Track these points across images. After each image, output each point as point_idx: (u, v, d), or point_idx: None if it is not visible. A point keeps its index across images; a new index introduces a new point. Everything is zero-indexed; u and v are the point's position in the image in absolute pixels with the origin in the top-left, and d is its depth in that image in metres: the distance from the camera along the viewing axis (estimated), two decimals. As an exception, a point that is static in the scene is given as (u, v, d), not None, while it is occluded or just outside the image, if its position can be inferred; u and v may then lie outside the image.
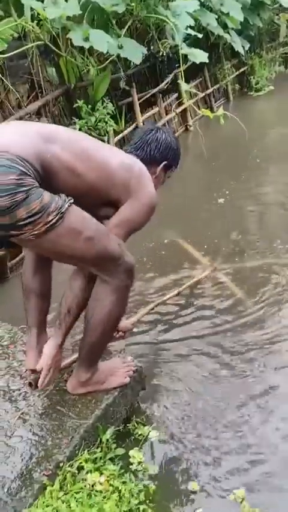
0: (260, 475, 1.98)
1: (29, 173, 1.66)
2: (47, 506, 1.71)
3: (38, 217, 1.67)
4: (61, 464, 1.82)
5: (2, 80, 4.80)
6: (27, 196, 1.63)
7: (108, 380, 2.11)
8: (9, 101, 5.07)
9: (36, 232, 1.70)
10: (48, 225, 1.70)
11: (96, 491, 1.82)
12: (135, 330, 2.72)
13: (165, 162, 2.16)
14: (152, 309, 2.83)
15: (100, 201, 1.93)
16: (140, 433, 2.16)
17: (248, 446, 2.11)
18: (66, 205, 1.73)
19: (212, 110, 6.07)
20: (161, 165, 2.15)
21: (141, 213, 1.97)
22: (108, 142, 4.64)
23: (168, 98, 6.24)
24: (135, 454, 2.05)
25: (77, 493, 1.78)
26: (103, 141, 4.39)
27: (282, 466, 2.01)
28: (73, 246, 1.79)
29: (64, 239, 1.76)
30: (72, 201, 1.76)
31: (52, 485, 1.76)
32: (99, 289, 1.92)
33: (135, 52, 4.59)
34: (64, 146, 1.79)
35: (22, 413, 2.03)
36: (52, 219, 1.70)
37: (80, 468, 1.86)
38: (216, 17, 6.29)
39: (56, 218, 1.70)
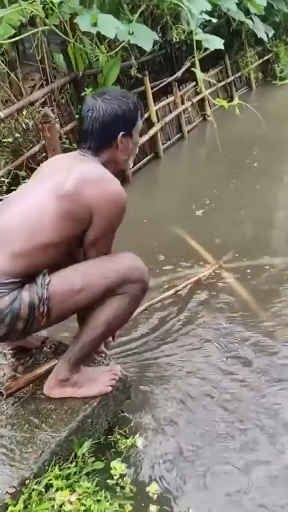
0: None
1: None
2: (7, 528, 1.59)
3: (32, 316, 1.76)
4: (27, 482, 1.70)
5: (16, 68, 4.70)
6: (13, 311, 1.73)
7: (87, 385, 1.96)
8: (21, 90, 4.96)
9: (42, 324, 1.81)
10: (44, 314, 1.78)
11: (65, 511, 1.69)
12: (121, 334, 2.58)
13: (122, 133, 1.89)
14: (145, 309, 2.68)
15: (78, 239, 1.85)
16: (122, 445, 2.03)
17: (241, 459, 1.94)
18: (45, 291, 1.77)
19: (232, 99, 5.83)
20: (119, 137, 1.89)
21: (112, 219, 1.83)
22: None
23: (185, 86, 6.03)
24: (116, 466, 1.92)
25: (42, 513, 1.65)
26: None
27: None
28: (75, 302, 1.82)
29: (64, 305, 1.81)
30: (47, 280, 1.78)
31: (15, 505, 1.64)
32: (111, 296, 1.88)
33: (146, 38, 4.38)
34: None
35: (-7, 423, 1.91)
36: (43, 309, 1.77)
37: (49, 486, 1.73)
38: (237, 2, 6.03)
39: (46, 307, 1.77)
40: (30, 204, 1.81)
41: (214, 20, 4.91)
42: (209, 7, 4.93)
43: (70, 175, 1.79)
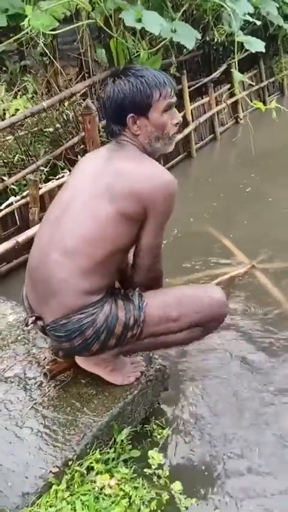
0: None
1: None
2: (50, 506, 1.61)
3: (125, 335, 1.81)
4: (70, 463, 1.72)
5: (53, 61, 4.73)
6: (109, 329, 1.78)
7: (116, 373, 1.98)
8: (57, 83, 5.01)
9: (130, 342, 1.86)
10: (136, 335, 1.83)
11: (105, 495, 1.70)
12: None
13: (130, 115, 1.78)
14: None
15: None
16: (158, 435, 2.04)
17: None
18: (142, 314, 1.81)
19: (264, 104, 5.81)
20: (128, 120, 1.78)
21: (166, 208, 1.77)
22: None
23: (220, 88, 6.02)
24: (154, 455, 1.92)
25: (83, 495, 1.67)
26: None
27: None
28: (167, 328, 1.86)
29: (156, 329, 1.85)
30: (145, 303, 1.82)
31: (58, 484, 1.66)
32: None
33: (188, 37, 4.39)
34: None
35: (35, 404, 1.93)
36: (137, 331, 1.82)
37: (90, 468, 1.75)
38: (278, 6, 6.02)
39: (140, 329, 1.82)
40: (86, 213, 1.75)
41: (258, 22, 4.90)
42: (251, 9, 4.93)
43: (114, 174, 1.75)
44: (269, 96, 7.43)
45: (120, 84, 1.77)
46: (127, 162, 1.79)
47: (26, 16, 3.64)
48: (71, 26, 4.16)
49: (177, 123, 1.87)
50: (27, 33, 3.75)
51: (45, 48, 4.01)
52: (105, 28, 4.21)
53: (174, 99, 1.83)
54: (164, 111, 1.81)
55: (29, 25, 3.62)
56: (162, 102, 1.79)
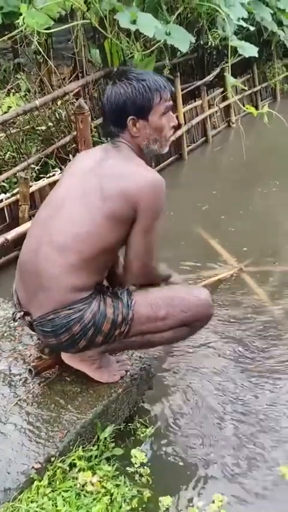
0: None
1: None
2: (31, 502, 1.61)
3: (112, 332, 1.83)
4: (52, 459, 1.72)
5: (47, 60, 4.74)
6: (96, 326, 1.79)
7: (101, 371, 1.98)
8: (50, 81, 5.01)
9: (117, 340, 1.87)
10: (124, 333, 1.85)
11: (87, 491, 1.71)
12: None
13: (130, 117, 1.82)
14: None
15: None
16: (141, 434, 2.05)
17: (272, 459, 1.96)
18: (131, 312, 1.83)
19: (257, 109, 5.85)
20: (128, 122, 1.83)
21: (155, 208, 1.80)
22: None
23: (213, 91, 6.06)
24: (137, 454, 1.94)
25: (65, 491, 1.67)
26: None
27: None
28: (154, 327, 1.88)
29: (144, 327, 1.87)
30: (134, 301, 1.84)
31: (40, 480, 1.67)
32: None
33: (182, 40, 4.42)
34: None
35: (19, 400, 1.93)
36: (125, 329, 1.84)
37: (72, 465, 1.76)
38: (272, 12, 6.07)
39: (128, 327, 1.83)
40: (78, 211, 1.78)
41: (252, 28, 4.94)
42: (245, 14, 4.98)
43: (105, 175, 1.79)
44: (261, 101, 7.49)
45: (121, 87, 1.81)
46: (119, 163, 1.83)
47: (21, 14, 3.64)
48: (66, 26, 4.18)
49: (174, 126, 1.94)
50: (21, 31, 3.76)
51: (39, 47, 4.01)
52: (99, 28, 4.23)
53: (171, 103, 1.90)
54: (162, 114, 1.87)
55: (24, 23, 3.63)
56: (162, 105, 1.85)
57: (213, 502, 1.77)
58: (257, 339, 2.63)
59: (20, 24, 3.68)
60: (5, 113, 4.23)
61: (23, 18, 3.65)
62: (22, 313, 1.87)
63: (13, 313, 1.92)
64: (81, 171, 1.88)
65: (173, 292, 1.96)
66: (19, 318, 1.88)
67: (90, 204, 1.77)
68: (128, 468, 1.90)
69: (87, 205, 1.78)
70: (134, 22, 4.07)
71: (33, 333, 2.25)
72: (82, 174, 1.86)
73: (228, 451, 2.00)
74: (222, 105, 6.19)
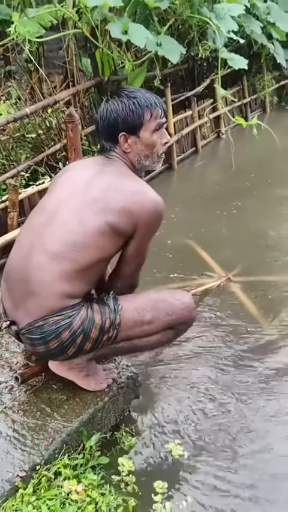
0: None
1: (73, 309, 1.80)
2: (16, 510, 1.60)
3: (100, 338, 1.83)
4: (37, 467, 1.72)
5: (38, 68, 4.77)
6: (85, 332, 1.80)
7: (89, 378, 1.99)
8: (41, 89, 5.03)
9: (105, 346, 1.88)
10: (112, 338, 1.86)
11: (72, 500, 1.70)
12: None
13: (122, 134, 1.88)
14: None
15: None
16: (127, 442, 2.05)
17: (250, 470, 1.96)
18: (118, 316, 1.85)
19: (246, 120, 5.92)
20: (119, 138, 1.89)
21: (152, 227, 1.88)
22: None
23: (203, 102, 6.12)
24: (124, 462, 1.94)
25: (50, 499, 1.67)
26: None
27: None
28: (141, 331, 1.91)
29: (131, 332, 1.89)
30: (120, 306, 1.86)
31: (25, 488, 1.66)
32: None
33: (173, 51, 4.47)
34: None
35: (5, 408, 1.92)
36: (113, 333, 1.85)
37: (58, 473, 1.75)
38: (262, 25, 6.16)
39: (115, 331, 1.85)
40: (75, 221, 1.79)
41: (242, 40, 5.00)
42: (236, 27, 5.05)
43: (107, 188, 1.82)
44: (251, 112, 7.57)
45: (113, 104, 1.88)
46: (120, 178, 1.87)
47: (13, 22, 3.66)
48: (57, 35, 4.21)
49: (166, 143, 1.97)
50: (13, 39, 3.77)
51: (30, 55, 4.03)
52: (91, 38, 4.26)
53: (164, 120, 1.93)
54: (154, 131, 1.90)
55: (15, 31, 3.65)
56: (152, 122, 1.89)
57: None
58: (245, 349, 2.64)
59: (11, 32, 3.70)
60: (-5, 120, 4.23)
61: (15, 27, 3.68)
62: (8, 322, 1.86)
63: None
64: (78, 181, 1.90)
65: (157, 297, 1.99)
66: (5, 328, 1.87)
67: (89, 215, 1.79)
68: (113, 477, 1.89)
69: (86, 216, 1.79)
70: (125, 32, 4.12)
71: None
72: (80, 184, 1.88)
73: (216, 459, 2.00)
74: (212, 116, 6.25)
